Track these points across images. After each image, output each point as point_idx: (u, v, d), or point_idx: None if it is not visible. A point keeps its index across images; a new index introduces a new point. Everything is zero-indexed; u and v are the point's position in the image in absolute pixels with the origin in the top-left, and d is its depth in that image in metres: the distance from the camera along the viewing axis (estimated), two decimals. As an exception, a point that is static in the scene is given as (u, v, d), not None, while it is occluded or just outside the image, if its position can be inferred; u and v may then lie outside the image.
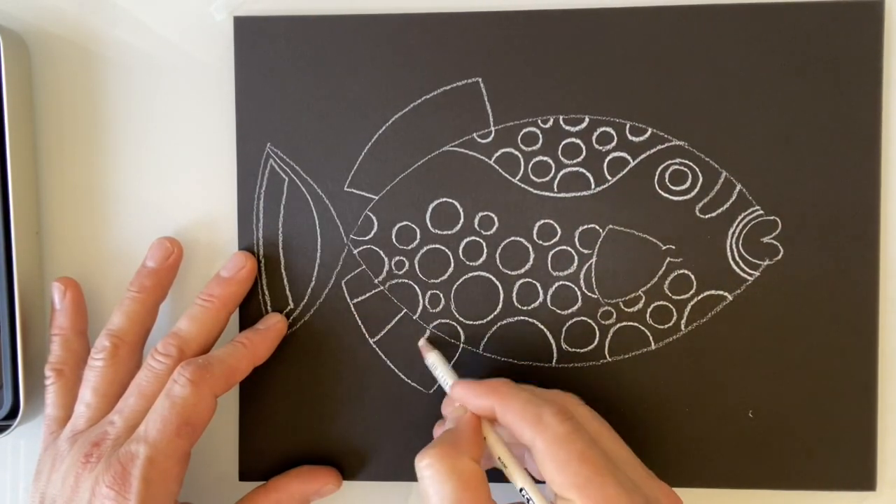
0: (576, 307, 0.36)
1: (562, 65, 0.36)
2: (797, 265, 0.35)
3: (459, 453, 0.29)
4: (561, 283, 0.36)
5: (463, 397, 0.32)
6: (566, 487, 0.28)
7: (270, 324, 0.36)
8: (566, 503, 0.28)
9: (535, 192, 0.36)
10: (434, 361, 0.35)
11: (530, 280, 0.36)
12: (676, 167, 0.36)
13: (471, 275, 0.36)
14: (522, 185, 0.36)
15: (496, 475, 0.31)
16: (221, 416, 0.37)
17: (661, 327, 0.36)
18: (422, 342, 0.36)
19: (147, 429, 0.32)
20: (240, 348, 0.34)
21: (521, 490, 0.30)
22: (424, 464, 0.29)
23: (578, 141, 0.36)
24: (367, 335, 0.37)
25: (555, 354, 0.36)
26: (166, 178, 0.38)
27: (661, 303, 0.36)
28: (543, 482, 0.30)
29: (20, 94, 0.36)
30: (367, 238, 0.37)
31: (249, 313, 0.37)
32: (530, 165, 0.36)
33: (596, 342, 0.36)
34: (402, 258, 0.37)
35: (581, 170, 0.36)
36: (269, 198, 0.37)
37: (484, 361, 0.36)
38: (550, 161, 0.36)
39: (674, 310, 0.36)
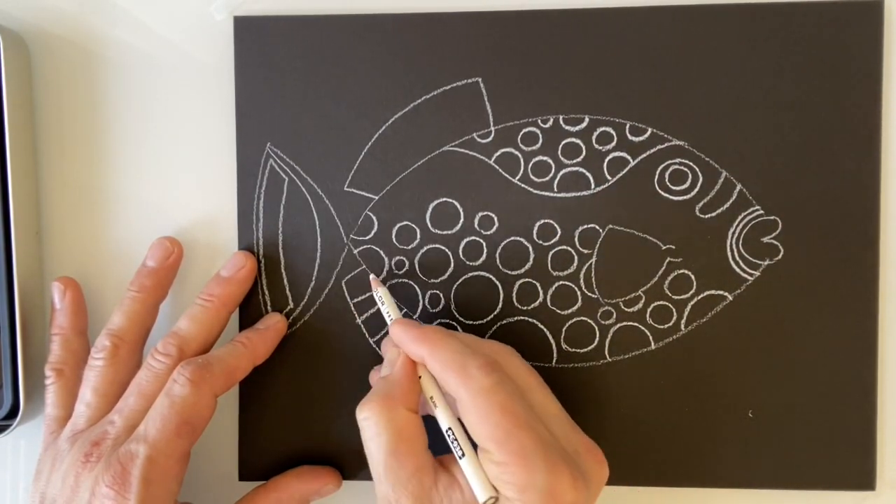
0: (576, 307, 0.36)
1: (562, 65, 0.36)
2: (797, 265, 0.35)
3: (396, 405, 0.30)
4: (561, 283, 0.36)
5: (399, 340, 0.32)
6: (486, 439, 0.28)
7: (270, 324, 0.36)
8: (486, 454, 0.29)
9: (535, 192, 0.36)
10: (382, 296, 0.34)
11: (530, 280, 0.36)
12: (676, 167, 0.36)
13: (471, 275, 0.36)
14: (522, 185, 0.36)
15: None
16: (221, 416, 0.36)
17: (661, 327, 0.36)
18: (373, 277, 0.36)
19: (147, 428, 0.32)
20: (240, 348, 0.34)
21: (447, 430, 0.30)
22: (362, 416, 0.30)
23: (578, 141, 0.36)
24: (367, 335, 0.37)
25: (555, 354, 0.36)
26: (166, 178, 0.38)
27: (661, 303, 0.36)
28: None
29: (20, 94, 0.36)
30: (367, 238, 0.37)
31: (249, 313, 0.37)
32: (530, 165, 0.36)
33: (596, 342, 0.36)
34: (402, 258, 0.37)
35: (581, 170, 0.36)
36: (269, 198, 0.37)
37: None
38: (550, 161, 0.36)
39: (674, 310, 0.36)
